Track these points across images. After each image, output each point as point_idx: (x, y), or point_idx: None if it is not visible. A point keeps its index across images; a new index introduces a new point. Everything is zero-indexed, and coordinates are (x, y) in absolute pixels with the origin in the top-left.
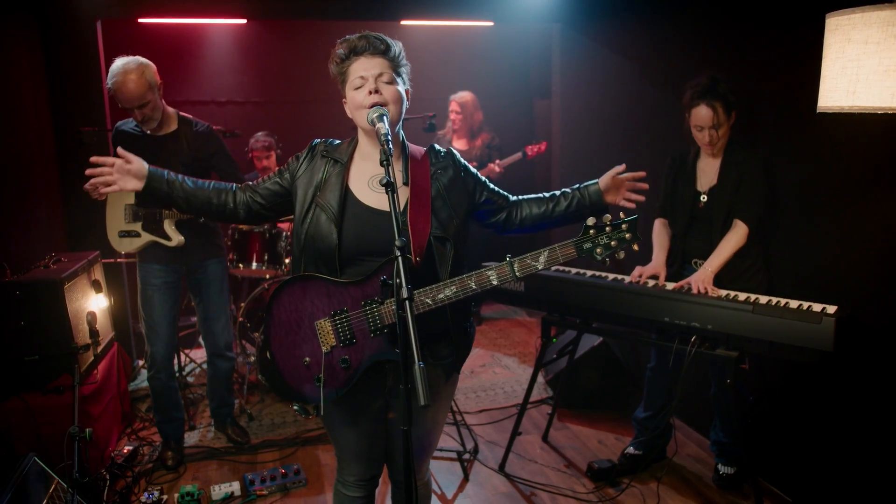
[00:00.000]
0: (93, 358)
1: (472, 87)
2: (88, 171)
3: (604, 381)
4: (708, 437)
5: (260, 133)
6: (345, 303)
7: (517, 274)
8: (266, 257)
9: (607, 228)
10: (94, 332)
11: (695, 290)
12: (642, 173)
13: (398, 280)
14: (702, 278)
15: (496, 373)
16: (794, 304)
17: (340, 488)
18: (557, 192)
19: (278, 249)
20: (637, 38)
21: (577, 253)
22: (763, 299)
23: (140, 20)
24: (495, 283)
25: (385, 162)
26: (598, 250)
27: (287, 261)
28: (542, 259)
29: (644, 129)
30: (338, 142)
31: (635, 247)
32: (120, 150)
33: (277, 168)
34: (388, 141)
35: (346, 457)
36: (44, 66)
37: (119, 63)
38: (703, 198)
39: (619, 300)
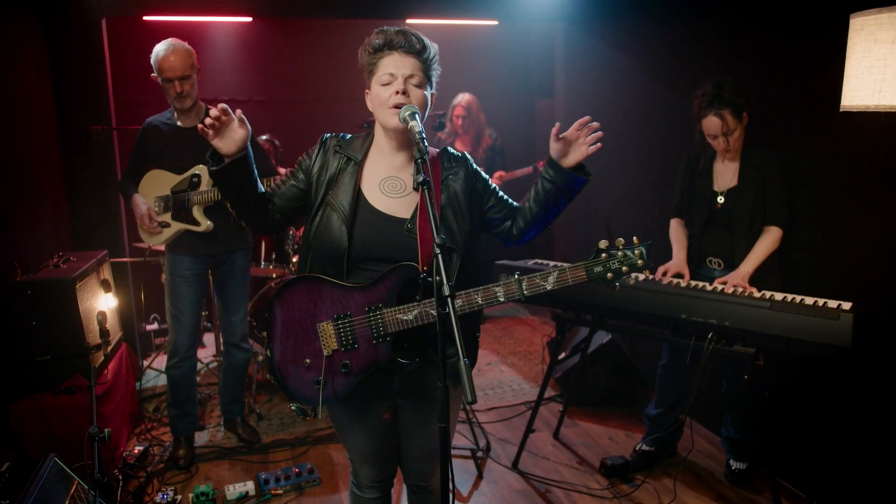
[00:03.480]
0: (103, 358)
1: (474, 86)
2: (208, 121)
3: (612, 378)
4: (717, 433)
5: (263, 136)
6: (348, 307)
7: (525, 293)
8: (273, 256)
9: (619, 254)
10: (104, 332)
11: (728, 290)
12: (587, 118)
13: (438, 277)
14: (738, 279)
15: (502, 371)
16: (809, 300)
17: (356, 490)
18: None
19: (285, 249)
20: (645, 37)
21: (587, 276)
22: (779, 296)
23: (145, 18)
24: (502, 300)
25: (420, 160)
26: (609, 275)
27: (294, 259)
28: (551, 280)
29: (652, 130)
30: (350, 136)
31: (647, 274)
32: (239, 112)
33: (290, 170)
34: (423, 139)
35: (357, 459)
36: (48, 63)
37: (167, 40)
38: (721, 198)
39: (635, 298)
